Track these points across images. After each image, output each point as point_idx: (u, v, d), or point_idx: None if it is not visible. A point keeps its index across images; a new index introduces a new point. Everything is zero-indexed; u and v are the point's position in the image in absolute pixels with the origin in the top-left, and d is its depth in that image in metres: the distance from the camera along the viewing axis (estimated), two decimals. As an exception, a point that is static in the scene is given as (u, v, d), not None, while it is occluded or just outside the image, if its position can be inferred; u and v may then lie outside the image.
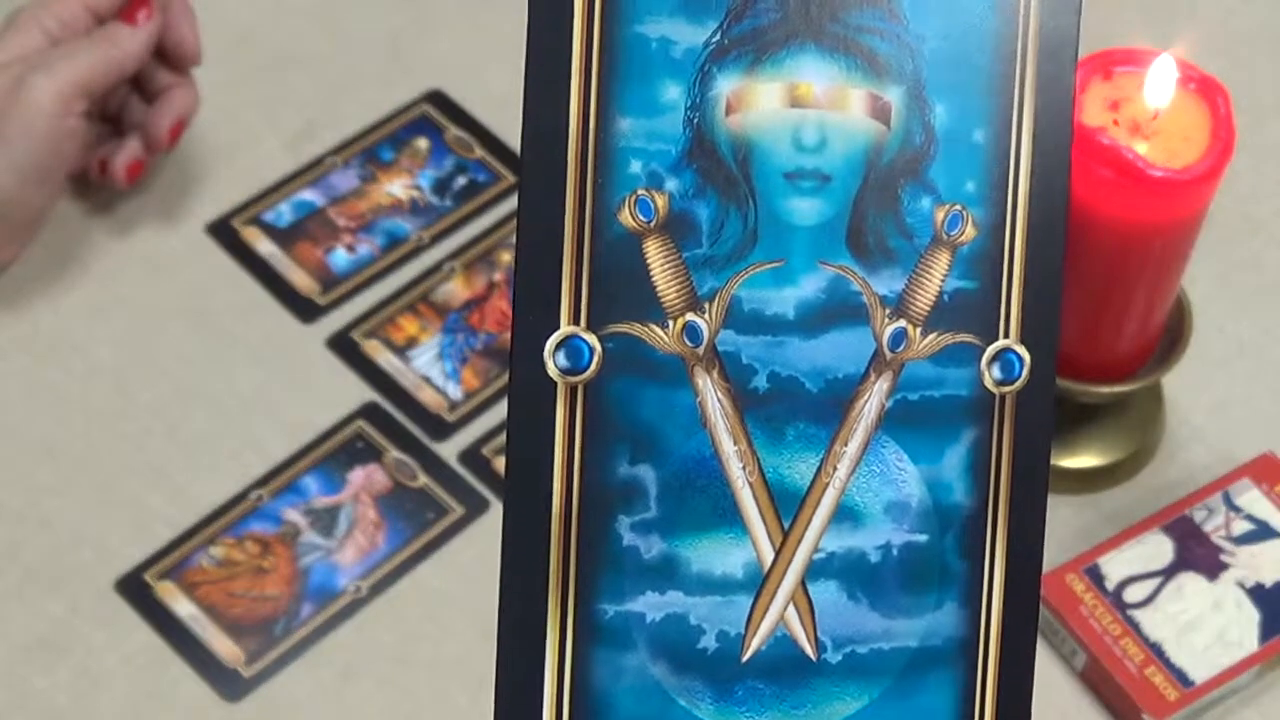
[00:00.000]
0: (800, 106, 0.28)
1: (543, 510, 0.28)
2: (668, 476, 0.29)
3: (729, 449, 0.29)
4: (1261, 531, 0.80)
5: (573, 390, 0.28)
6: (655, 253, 0.29)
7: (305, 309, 0.89)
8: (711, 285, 0.28)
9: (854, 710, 0.28)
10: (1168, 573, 0.79)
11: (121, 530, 0.81)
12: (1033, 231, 0.29)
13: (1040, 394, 0.31)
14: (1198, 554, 0.79)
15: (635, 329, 0.28)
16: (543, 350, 0.28)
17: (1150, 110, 0.74)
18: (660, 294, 0.28)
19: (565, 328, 0.28)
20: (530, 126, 0.28)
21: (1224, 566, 0.79)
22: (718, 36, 0.28)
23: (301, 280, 0.90)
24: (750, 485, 0.29)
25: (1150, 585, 0.79)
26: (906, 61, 0.28)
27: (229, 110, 0.95)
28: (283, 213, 0.92)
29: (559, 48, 0.28)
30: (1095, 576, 0.79)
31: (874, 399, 0.28)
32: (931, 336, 0.29)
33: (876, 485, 0.29)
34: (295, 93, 0.97)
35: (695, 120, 0.28)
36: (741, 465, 0.29)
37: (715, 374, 0.29)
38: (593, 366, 0.29)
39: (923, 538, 0.29)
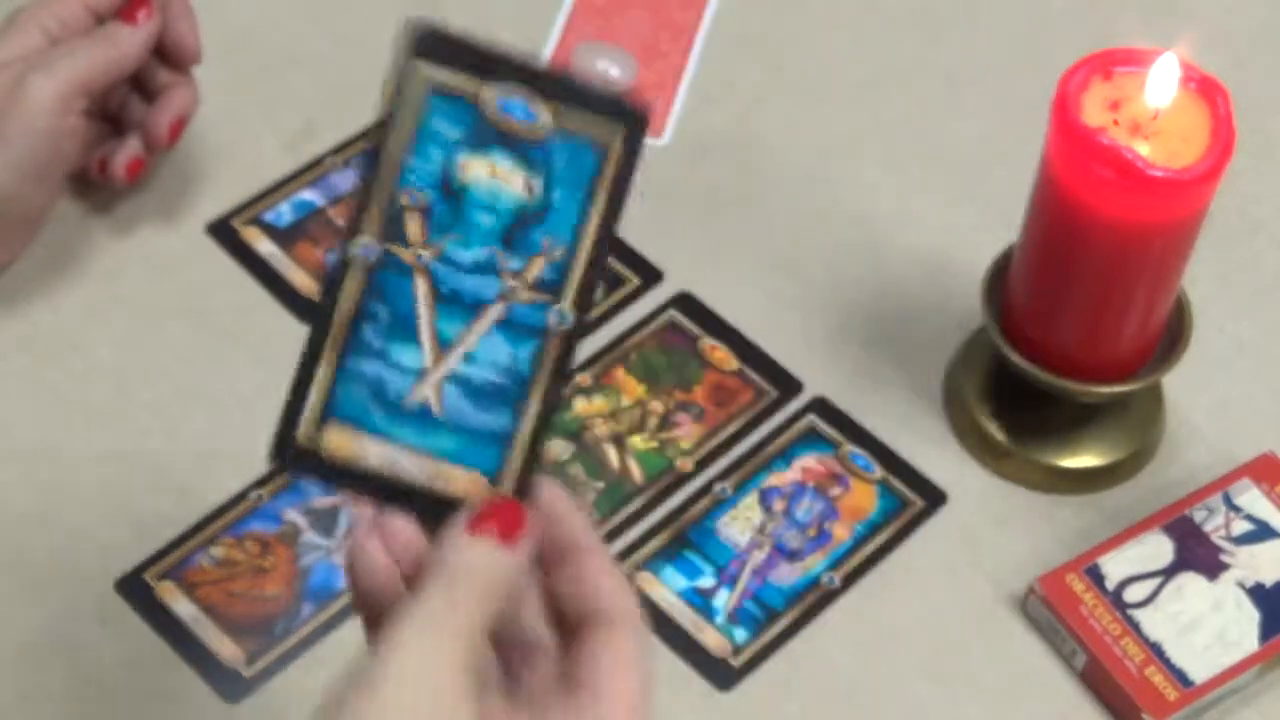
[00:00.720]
0: (493, 177, 0.58)
1: (329, 318, 0.58)
2: (392, 319, 0.58)
3: (424, 316, 0.58)
4: (1261, 531, 0.80)
5: (358, 274, 0.58)
6: (412, 224, 0.58)
7: (305, 309, 0.89)
8: (434, 240, 0.58)
9: (455, 447, 0.58)
10: (1168, 573, 0.79)
11: (121, 530, 0.81)
12: (591, 254, 0.58)
13: (578, 334, 0.58)
14: (1198, 554, 0.79)
15: (394, 248, 0.58)
16: (350, 250, 0.58)
17: (1150, 110, 0.74)
18: (411, 241, 0.58)
19: (364, 239, 0.58)
20: (364, 160, 0.59)
21: (1224, 566, 0.79)
22: (463, 137, 0.58)
23: (301, 280, 0.90)
24: (431, 332, 0.58)
25: (1150, 585, 0.79)
26: (544, 166, 0.58)
27: (229, 110, 0.95)
28: (283, 213, 0.92)
29: (375, 149, 0.58)
30: (1095, 576, 0.79)
31: (495, 311, 0.58)
32: (531, 293, 0.58)
33: (489, 350, 0.58)
34: (295, 93, 0.97)
35: (447, 172, 0.58)
36: (429, 323, 0.58)
37: (425, 281, 0.58)
38: (373, 261, 0.58)
39: (504, 380, 0.58)
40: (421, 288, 0.58)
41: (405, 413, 0.58)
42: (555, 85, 0.58)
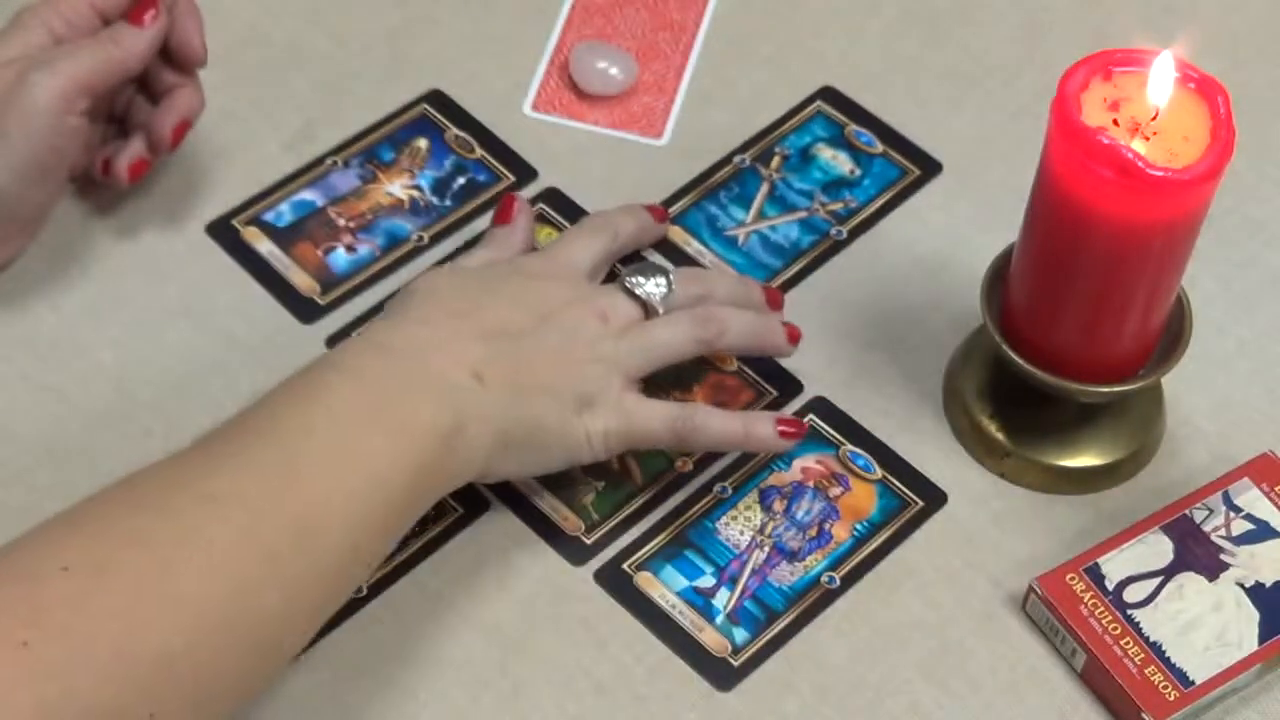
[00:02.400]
0: (833, 159, 0.91)
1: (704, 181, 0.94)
2: (740, 194, 0.93)
3: (758, 200, 0.94)
4: (1261, 531, 0.80)
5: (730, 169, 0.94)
6: (776, 159, 0.93)
7: (305, 309, 0.89)
8: (783, 171, 0.93)
9: (742, 264, 0.90)
10: (1167, 572, 0.79)
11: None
12: (871, 213, 0.90)
13: (842, 245, 0.88)
14: (1197, 554, 0.79)
15: (758, 166, 0.93)
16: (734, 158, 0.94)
17: (1150, 110, 0.74)
18: (770, 167, 0.92)
19: (745, 155, 0.95)
20: None
21: (1224, 566, 0.79)
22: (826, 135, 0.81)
23: (301, 280, 0.90)
24: (757, 208, 0.91)
25: (1150, 585, 0.79)
26: (867, 164, 0.85)
27: (229, 110, 0.95)
28: (283, 213, 0.92)
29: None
30: (1095, 576, 0.79)
31: (800, 214, 0.87)
32: (827, 215, 0.87)
33: (786, 229, 0.91)
34: (295, 93, 0.97)
35: (807, 147, 0.90)
36: (759, 204, 0.92)
37: (768, 185, 0.92)
38: (744, 166, 0.94)
39: (788, 246, 0.88)
40: (764, 187, 0.93)
41: (723, 237, 0.91)
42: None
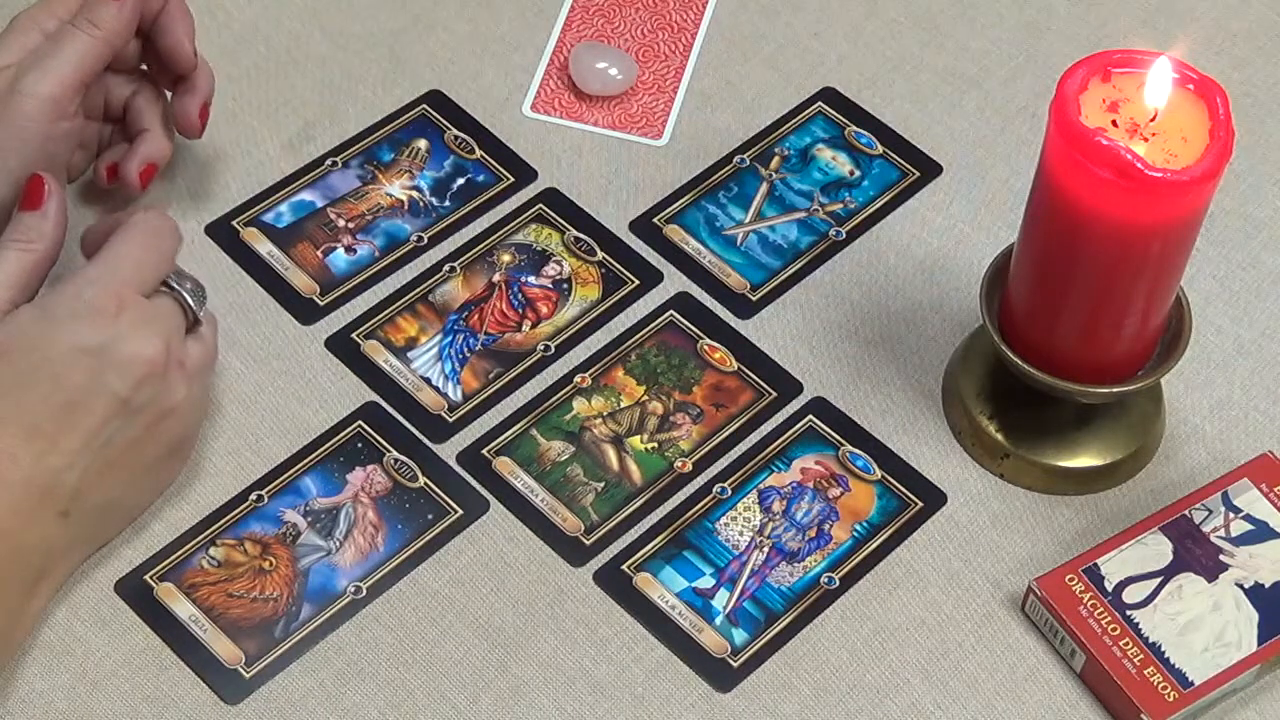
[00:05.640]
0: (833, 160, 0.94)
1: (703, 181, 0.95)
2: (739, 194, 0.94)
3: (757, 200, 0.94)
4: (1260, 532, 0.80)
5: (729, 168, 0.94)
6: (775, 160, 0.94)
7: (305, 310, 0.89)
8: (783, 171, 0.94)
9: (739, 262, 0.91)
10: (1167, 573, 0.79)
11: (121, 531, 0.81)
12: (871, 213, 0.92)
13: (839, 247, 0.90)
14: (1197, 554, 0.79)
15: (758, 166, 0.94)
16: (734, 158, 0.94)
17: (1149, 111, 0.74)
18: (770, 167, 0.95)
19: (745, 156, 0.94)
20: None
21: (1223, 567, 0.79)
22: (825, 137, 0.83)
23: (301, 281, 0.90)
24: (756, 208, 0.93)
25: (1149, 586, 0.79)
26: (868, 166, 0.87)
27: (229, 110, 0.95)
28: (282, 213, 0.92)
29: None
30: (1095, 577, 0.79)
31: (799, 215, 0.92)
32: (826, 216, 0.89)
33: (785, 229, 0.92)
34: (295, 93, 0.97)
35: (807, 148, 0.93)
36: (758, 204, 0.93)
37: (767, 185, 0.95)
38: (744, 166, 0.94)
39: (785, 245, 0.90)
40: (763, 187, 0.93)
41: (721, 236, 0.92)
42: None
